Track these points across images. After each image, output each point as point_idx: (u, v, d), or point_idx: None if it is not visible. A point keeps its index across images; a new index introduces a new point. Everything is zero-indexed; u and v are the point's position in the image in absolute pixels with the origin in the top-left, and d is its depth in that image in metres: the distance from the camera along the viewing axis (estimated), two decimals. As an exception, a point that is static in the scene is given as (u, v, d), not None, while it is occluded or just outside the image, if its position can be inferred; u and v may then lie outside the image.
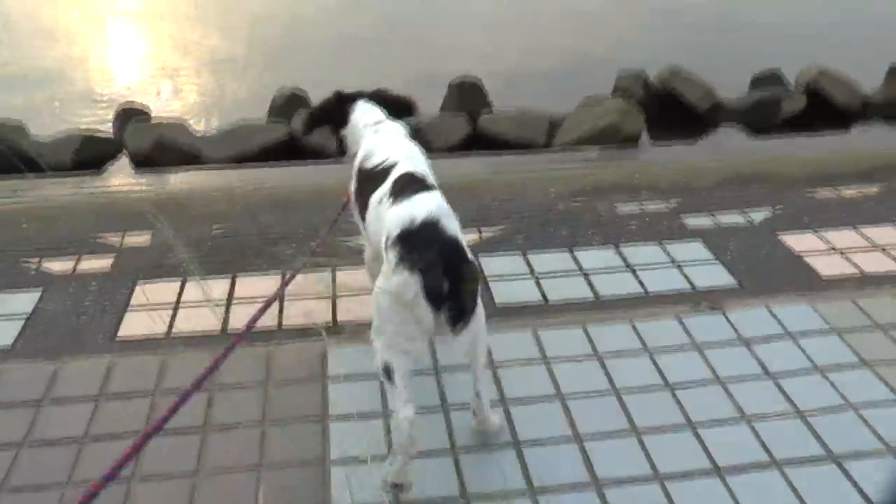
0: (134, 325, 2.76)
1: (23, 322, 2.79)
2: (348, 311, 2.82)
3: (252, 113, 5.97)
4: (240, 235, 3.43)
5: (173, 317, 2.80)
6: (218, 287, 2.98)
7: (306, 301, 2.88)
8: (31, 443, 2.22)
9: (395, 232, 1.94)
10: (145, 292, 2.96)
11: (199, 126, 5.97)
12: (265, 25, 9.56)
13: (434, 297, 1.87)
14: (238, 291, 2.96)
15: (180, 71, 8.02)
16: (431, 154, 2.48)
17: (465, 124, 5.90)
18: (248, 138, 5.51)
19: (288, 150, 5.44)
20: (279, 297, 2.74)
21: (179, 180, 4.93)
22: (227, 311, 2.83)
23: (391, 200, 2.10)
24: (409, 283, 1.86)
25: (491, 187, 4.03)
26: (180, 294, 2.94)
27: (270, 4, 10.60)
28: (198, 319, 2.78)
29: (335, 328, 2.72)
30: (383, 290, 1.95)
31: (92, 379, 2.46)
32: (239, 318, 2.77)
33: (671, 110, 6.37)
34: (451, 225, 1.98)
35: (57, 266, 3.17)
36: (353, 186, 2.51)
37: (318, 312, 2.81)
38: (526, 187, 3.98)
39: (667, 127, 6.18)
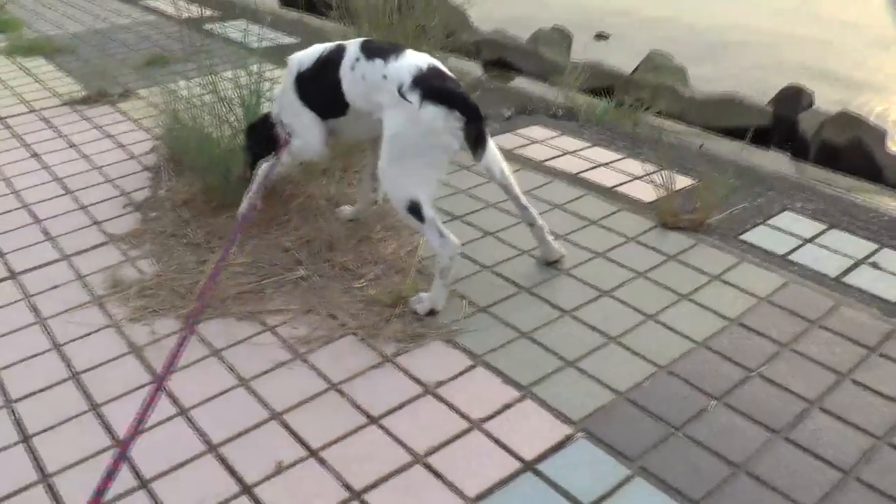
0: None
1: None
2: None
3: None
4: None
5: None
6: None
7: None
8: None
9: (409, 79, 2.16)
10: None
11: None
12: None
13: (470, 110, 2.12)
14: None
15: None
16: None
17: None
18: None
19: None
20: None
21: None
22: None
23: (375, 60, 2.25)
24: (437, 113, 2.11)
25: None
26: None
27: None
28: None
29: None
30: (413, 124, 2.15)
31: None
32: None
33: None
34: (447, 71, 2.27)
35: None
36: (290, 96, 2.50)
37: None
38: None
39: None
